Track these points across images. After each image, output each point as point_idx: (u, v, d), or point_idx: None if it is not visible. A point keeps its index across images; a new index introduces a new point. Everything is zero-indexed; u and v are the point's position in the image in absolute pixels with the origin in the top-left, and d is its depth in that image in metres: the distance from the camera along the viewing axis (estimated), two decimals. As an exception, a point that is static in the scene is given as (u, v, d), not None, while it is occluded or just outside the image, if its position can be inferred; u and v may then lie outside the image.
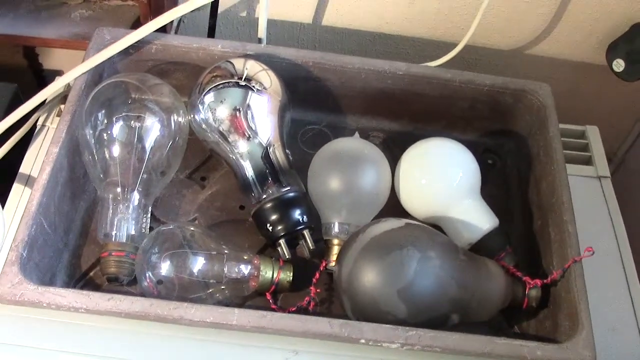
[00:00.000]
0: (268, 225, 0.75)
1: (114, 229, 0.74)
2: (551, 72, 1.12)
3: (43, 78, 1.17)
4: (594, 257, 0.72)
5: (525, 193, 0.87)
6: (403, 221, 0.73)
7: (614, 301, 0.82)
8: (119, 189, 0.75)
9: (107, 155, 0.76)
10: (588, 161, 0.96)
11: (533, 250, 0.81)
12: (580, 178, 0.93)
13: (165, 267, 0.70)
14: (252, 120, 0.77)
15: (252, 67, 0.80)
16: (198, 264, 0.71)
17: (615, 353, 0.77)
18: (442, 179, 0.79)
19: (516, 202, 0.88)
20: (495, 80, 0.87)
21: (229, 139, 0.77)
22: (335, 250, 0.76)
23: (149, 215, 0.78)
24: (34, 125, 0.89)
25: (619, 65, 1.01)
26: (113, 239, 0.74)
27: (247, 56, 0.83)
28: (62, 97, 0.90)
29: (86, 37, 0.92)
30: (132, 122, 0.77)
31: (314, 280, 0.73)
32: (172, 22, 0.94)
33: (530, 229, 0.83)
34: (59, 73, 0.99)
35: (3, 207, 0.78)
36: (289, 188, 0.77)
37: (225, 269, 0.72)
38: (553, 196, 0.78)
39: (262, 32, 0.95)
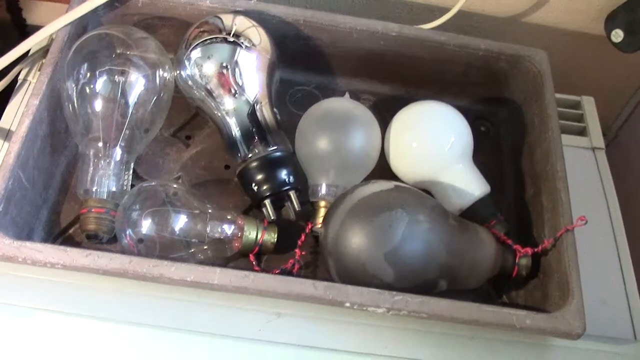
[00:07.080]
0: (253, 185, 0.74)
1: (95, 185, 0.72)
2: (547, 41, 1.10)
3: (27, 34, 1.14)
4: (586, 229, 0.71)
5: (518, 161, 0.85)
6: (392, 183, 0.71)
7: (605, 274, 0.80)
8: (100, 144, 0.73)
9: (89, 110, 0.74)
10: (582, 132, 0.95)
11: (525, 219, 0.79)
12: (574, 149, 0.91)
13: (146, 225, 0.69)
14: (239, 77, 0.75)
15: (241, 23, 0.77)
16: (180, 222, 0.69)
17: (604, 326, 0.76)
18: (433, 143, 0.77)
19: (509, 170, 0.86)
20: (490, 45, 0.85)
21: (215, 96, 0.75)
22: (322, 212, 0.74)
23: (131, 172, 0.75)
24: (15, 80, 0.86)
25: (617, 35, 0.99)
26: (93, 195, 0.72)
27: (236, 12, 0.81)
28: (45, 51, 0.87)
29: (71, -10, 0.90)
30: (116, 76, 0.74)
31: (299, 242, 0.72)
32: (160, -25, 0.91)
33: (522, 198, 0.81)
34: (43, 28, 0.97)
35: (-20, 160, 0.76)
36: (275, 147, 0.75)
37: (208, 229, 0.70)
38: (547, 164, 0.77)
39: (252, -11, 0.93)
